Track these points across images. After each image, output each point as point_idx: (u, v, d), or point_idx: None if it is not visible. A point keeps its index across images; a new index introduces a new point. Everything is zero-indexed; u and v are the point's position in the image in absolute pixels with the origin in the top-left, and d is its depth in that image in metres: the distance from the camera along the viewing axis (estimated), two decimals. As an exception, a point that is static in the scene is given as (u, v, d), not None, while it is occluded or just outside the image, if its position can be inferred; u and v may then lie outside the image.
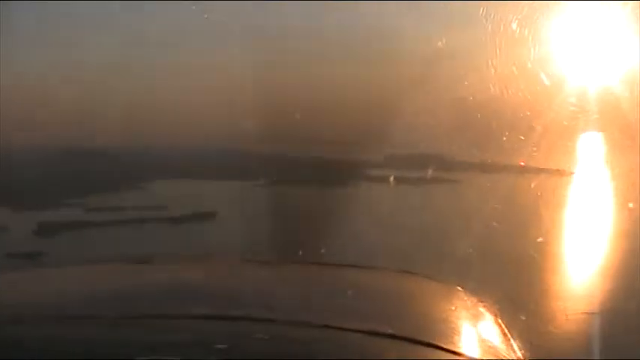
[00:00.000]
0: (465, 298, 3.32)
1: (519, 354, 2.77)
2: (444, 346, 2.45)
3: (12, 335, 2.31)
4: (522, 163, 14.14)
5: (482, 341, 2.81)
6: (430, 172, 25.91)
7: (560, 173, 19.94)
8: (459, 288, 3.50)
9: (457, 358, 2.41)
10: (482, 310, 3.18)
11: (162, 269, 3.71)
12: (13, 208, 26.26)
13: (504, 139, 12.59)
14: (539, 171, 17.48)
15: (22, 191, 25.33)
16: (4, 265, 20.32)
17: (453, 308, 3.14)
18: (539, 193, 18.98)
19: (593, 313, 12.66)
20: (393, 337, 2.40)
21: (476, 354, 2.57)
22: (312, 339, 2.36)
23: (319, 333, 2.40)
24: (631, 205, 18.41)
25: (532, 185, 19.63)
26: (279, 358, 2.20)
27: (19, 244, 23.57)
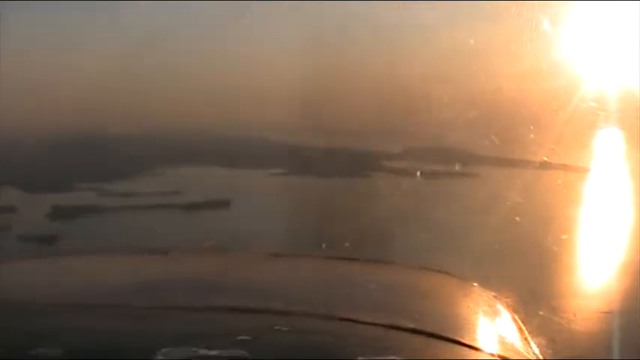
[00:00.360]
0: (483, 295, 3.32)
1: (537, 352, 2.75)
2: (464, 342, 2.45)
3: (36, 323, 2.32)
4: (545, 158, 14.04)
5: (500, 338, 2.80)
6: (456, 167, 25.85)
7: (581, 169, 19.80)
8: (476, 284, 3.49)
9: (476, 353, 2.42)
10: (499, 307, 3.16)
11: (182, 262, 3.72)
12: (27, 192, 26.20)
13: (524, 134, 12.50)
14: (559, 167, 17.33)
15: (36, 175, 25.33)
16: (17, 247, 20.28)
17: (471, 305, 3.16)
18: (560, 189, 18.87)
19: (611, 312, 12.25)
20: (414, 331, 2.39)
21: (494, 350, 2.55)
22: (333, 332, 2.35)
23: (340, 326, 2.41)
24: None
25: (553, 180, 19.53)
26: (301, 351, 2.19)
27: (32, 227, 23.40)
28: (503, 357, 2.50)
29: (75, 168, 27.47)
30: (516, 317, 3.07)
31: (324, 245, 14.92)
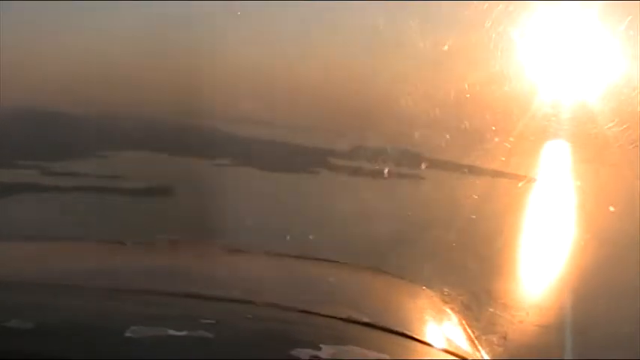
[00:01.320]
0: (432, 297, 3.48)
1: (482, 353, 2.88)
2: (415, 336, 2.58)
3: (4, 298, 2.35)
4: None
5: (445, 334, 2.95)
6: (395, 167, 25.94)
7: (526, 179, 19.99)
8: (425, 287, 3.66)
9: (428, 348, 2.53)
10: (446, 308, 3.32)
11: (140, 251, 3.83)
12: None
13: (476, 140, 12.54)
14: (505, 175, 17.46)
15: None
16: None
17: (420, 304, 3.31)
18: (505, 198, 19.06)
19: (558, 314, 12.46)
20: (368, 325, 2.51)
21: (440, 344, 2.70)
22: (294, 321, 2.45)
23: (300, 317, 2.50)
24: (612, 209, 18.40)
25: (497, 189, 19.72)
26: (264, 336, 2.28)
27: None
28: (449, 351, 2.62)
29: (18, 145, 26.76)
30: (462, 319, 3.19)
31: (287, 237, 14.91)
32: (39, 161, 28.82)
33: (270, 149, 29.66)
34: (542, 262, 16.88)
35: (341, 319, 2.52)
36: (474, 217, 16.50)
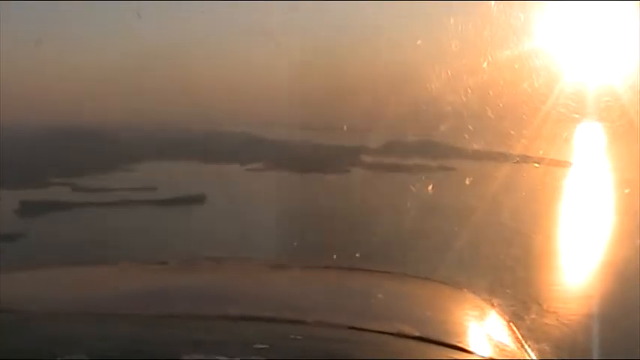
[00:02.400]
0: (478, 302, 3.45)
1: (531, 354, 2.83)
2: (464, 347, 2.54)
3: (56, 331, 2.35)
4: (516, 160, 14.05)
5: (496, 343, 2.90)
6: (429, 160, 25.72)
7: (559, 164, 19.69)
8: (471, 293, 3.65)
9: (474, 357, 2.50)
10: (493, 313, 3.29)
11: (183, 272, 3.79)
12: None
13: (504, 129, 12.36)
14: (539, 161, 17.18)
15: (5, 169, 24.61)
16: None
17: (468, 312, 3.30)
18: (540, 185, 18.71)
19: (597, 315, 12.22)
20: (418, 338, 2.47)
21: (492, 354, 2.66)
22: (344, 340, 2.43)
23: (349, 334, 2.46)
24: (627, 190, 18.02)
25: (533, 176, 19.39)
26: (316, 358, 2.24)
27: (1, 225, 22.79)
28: None
29: (49, 163, 26.93)
30: (510, 322, 3.16)
31: (335, 256, 14.66)
32: (70, 178, 28.82)
33: (302, 150, 29.51)
34: (586, 258, 16.58)
35: (391, 334, 2.49)
36: (516, 207, 16.29)
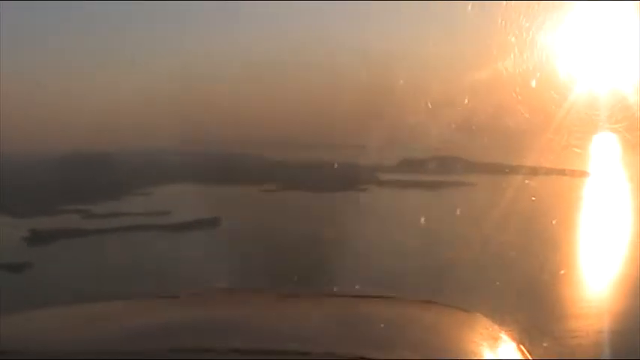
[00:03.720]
0: (487, 326, 3.39)
1: None
2: None
3: None
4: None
5: None
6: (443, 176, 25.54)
7: (577, 174, 19.47)
8: (480, 315, 3.56)
9: None
10: (504, 337, 3.22)
11: (194, 304, 3.77)
12: (4, 215, 25.36)
13: (518, 141, 12.29)
14: (556, 172, 16.98)
15: (15, 197, 24.37)
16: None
17: (477, 337, 3.24)
18: (551, 194, 18.49)
19: (614, 332, 12.14)
20: None
21: None
22: None
23: None
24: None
25: (551, 188, 19.14)
26: None
27: (8, 253, 22.32)
28: None
29: (59, 190, 26.77)
30: (522, 346, 3.11)
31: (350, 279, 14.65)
32: (81, 204, 28.62)
33: (317, 170, 29.35)
34: (601, 273, 16.33)
35: None
36: (533, 221, 15.99)
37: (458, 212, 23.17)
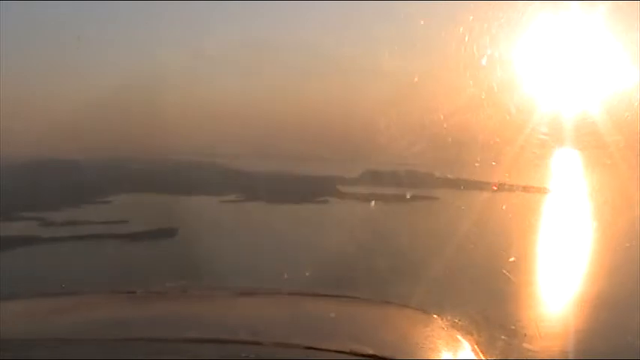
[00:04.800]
0: (442, 325, 3.41)
1: None
2: None
3: (23, 356, 2.45)
4: (495, 187, 14.24)
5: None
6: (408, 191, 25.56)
7: (536, 190, 19.60)
8: (435, 315, 3.58)
9: None
10: (458, 335, 3.25)
11: (149, 300, 3.82)
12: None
13: (479, 158, 12.34)
14: (514, 188, 17.08)
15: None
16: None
17: (430, 334, 3.24)
18: (513, 211, 18.64)
19: (570, 331, 12.55)
20: (374, 357, 2.52)
21: None
22: (297, 359, 2.49)
23: (304, 353, 2.52)
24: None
25: (507, 203, 19.27)
26: None
27: None
28: None
29: (15, 196, 26.22)
30: (476, 347, 3.13)
31: (285, 275, 14.81)
32: (37, 212, 28.15)
33: (278, 181, 29.24)
34: (558, 282, 16.56)
35: (345, 352, 2.54)
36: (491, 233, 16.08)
37: (419, 225, 23.18)
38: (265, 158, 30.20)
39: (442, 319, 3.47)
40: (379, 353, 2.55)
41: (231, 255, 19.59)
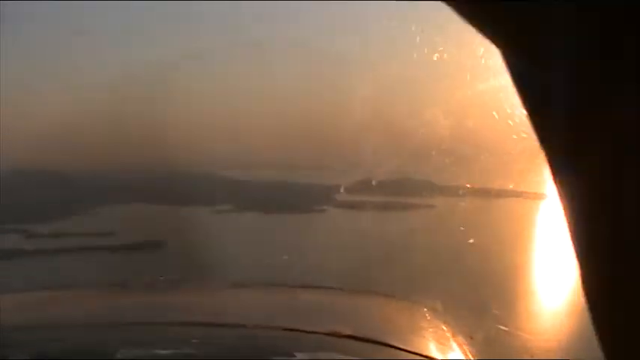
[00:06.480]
0: (419, 311, 3.52)
1: (461, 354, 2.87)
2: (399, 347, 2.66)
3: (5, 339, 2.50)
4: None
5: (431, 348, 2.92)
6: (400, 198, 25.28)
7: (534, 196, 19.39)
8: (412, 303, 3.74)
9: (413, 357, 2.60)
10: (442, 325, 3.26)
11: (147, 289, 3.97)
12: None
13: (478, 162, 11.95)
14: (518, 195, 16.87)
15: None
16: None
17: (408, 319, 3.35)
18: (514, 217, 18.45)
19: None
20: (352, 337, 2.60)
21: (426, 353, 2.75)
22: (276, 337, 2.64)
23: (283, 334, 2.67)
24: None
25: (512, 211, 19.03)
26: (244, 351, 2.50)
27: None
28: (431, 357, 2.63)
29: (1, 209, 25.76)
30: (448, 329, 3.15)
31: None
32: (24, 224, 27.74)
33: (273, 191, 28.98)
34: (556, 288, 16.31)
35: (323, 333, 2.63)
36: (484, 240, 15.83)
37: (417, 232, 23.11)
38: (259, 167, 29.85)
39: (419, 306, 3.59)
40: (357, 334, 2.64)
41: (221, 268, 19.13)
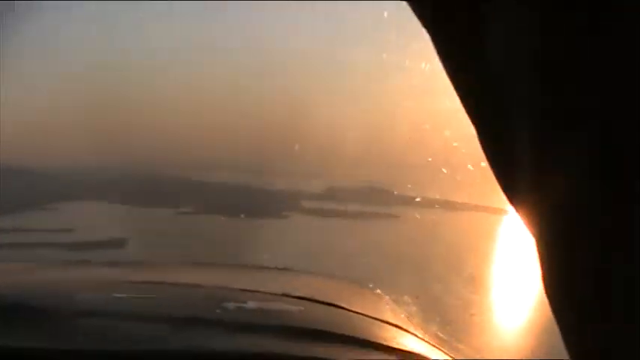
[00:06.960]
0: (385, 298, 3.53)
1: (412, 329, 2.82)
2: (347, 308, 2.72)
3: None
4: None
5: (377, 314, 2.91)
6: (367, 206, 25.42)
7: (496, 211, 19.53)
8: (379, 292, 3.73)
9: (359, 317, 2.65)
10: (395, 307, 3.35)
11: (115, 266, 4.02)
12: None
13: (442, 175, 12.31)
14: (473, 208, 17.02)
15: None
16: None
17: (372, 304, 3.30)
18: (471, 231, 18.59)
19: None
20: (304, 298, 2.70)
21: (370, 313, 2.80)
22: (231, 290, 2.76)
23: (235, 294, 2.69)
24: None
25: (475, 224, 19.20)
26: (199, 297, 2.62)
27: None
28: (387, 322, 2.69)
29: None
30: (412, 318, 3.20)
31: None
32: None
33: (238, 195, 28.89)
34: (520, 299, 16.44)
35: (277, 294, 2.72)
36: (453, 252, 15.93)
37: (379, 241, 23.20)
38: (225, 170, 29.75)
39: (387, 296, 3.61)
40: (309, 295, 2.72)
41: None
